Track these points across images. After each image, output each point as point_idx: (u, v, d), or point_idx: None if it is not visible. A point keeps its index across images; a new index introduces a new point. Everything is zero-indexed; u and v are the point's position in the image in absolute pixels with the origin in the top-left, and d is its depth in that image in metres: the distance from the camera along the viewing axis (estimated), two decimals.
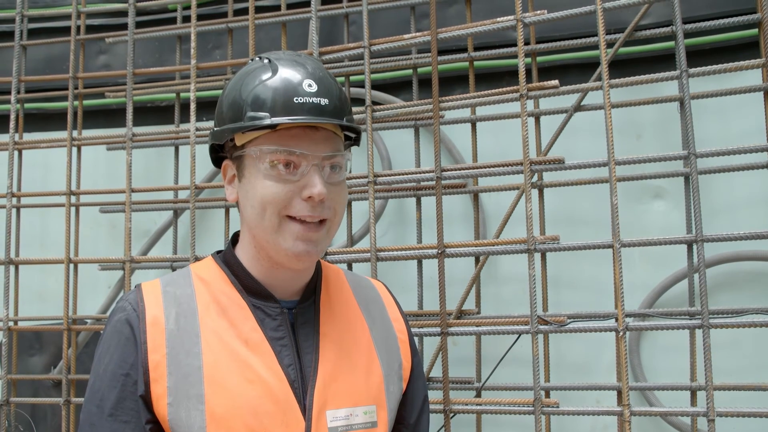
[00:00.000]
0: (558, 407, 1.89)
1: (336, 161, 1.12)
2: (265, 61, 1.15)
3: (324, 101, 1.10)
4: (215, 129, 1.17)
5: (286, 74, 1.11)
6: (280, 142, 1.09)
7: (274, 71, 1.12)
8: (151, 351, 1.07)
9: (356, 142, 1.23)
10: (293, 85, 1.09)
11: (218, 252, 1.25)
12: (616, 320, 1.85)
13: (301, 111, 1.08)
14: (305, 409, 1.09)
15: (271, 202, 1.08)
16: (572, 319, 1.99)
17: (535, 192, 2.26)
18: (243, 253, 1.19)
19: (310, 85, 1.10)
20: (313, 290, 1.22)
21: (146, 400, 1.06)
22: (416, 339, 2.25)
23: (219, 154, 1.22)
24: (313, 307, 1.20)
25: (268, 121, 1.07)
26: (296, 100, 1.08)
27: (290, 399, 1.08)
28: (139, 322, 1.09)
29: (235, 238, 1.23)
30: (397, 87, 2.69)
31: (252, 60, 1.19)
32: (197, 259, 2.18)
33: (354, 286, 1.30)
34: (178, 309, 1.12)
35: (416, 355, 1.32)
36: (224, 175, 1.19)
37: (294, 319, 1.16)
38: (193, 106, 2.28)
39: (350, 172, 2.29)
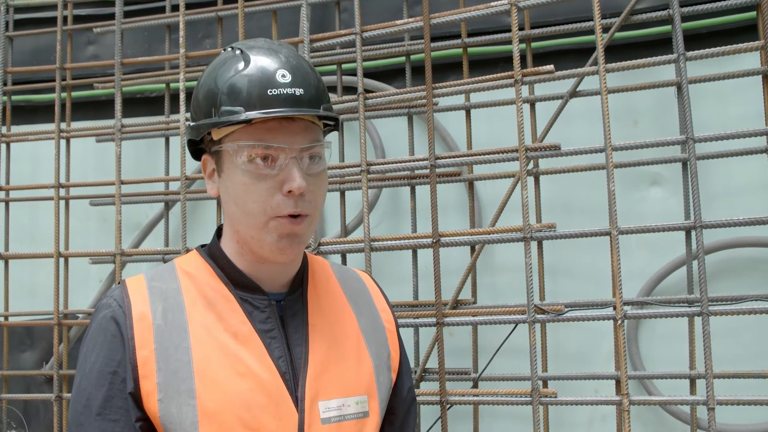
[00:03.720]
0: (556, 397, 1.88)
1: (315, 151, 1.10)
2: (237, 51, 1.12)
3: (299, 91, 1.07)
4: (191, 124, 1.15)
5: (260, 64, 1.08)
6: (257, 136, 1.06)
7: (246, 62, 1.09)
8: (139, 347, 1.06)
9: (336, 128, 1.21)
10: (267, 77, 1.07)
11: (202, 246, 1.23)
12: (614, 308, 1.83)
13: (276, 103, 1.06)
14: (297, 400, 1.08)
15: (255, 202, 1.07)
16: (570, 308, 1.98)
17: (530, 179, 2.25)
18: (228, 246, 1.17)
19: (284, 76, 1.07)
20: (300, 282, 1.20)
21: (136, 398, 1.04)
22: (412, 330, 2.23)
23: (198, 146, 1.19)
24: (301, 299, 1.19)
25: (243, 116, 1.05)
26: (270, 92, 1.06)
27: (282, 391, 1.07)
28: (126, 318, 1.08)
29: (220, 231, 1.22)
30: (390, 75, 2.66)
31: (224, 50, 1.17)
32: (188, 251, 2.15)
33: (340, 277, 1.29)
34: (164, 304, 1.10)
35: (402, 345, 1.31)
36: (204, 169, 1.18)
37: (282, 311, 1.15)
38: (182, 96, 2.25)
39: (342, 160, 2.26)
